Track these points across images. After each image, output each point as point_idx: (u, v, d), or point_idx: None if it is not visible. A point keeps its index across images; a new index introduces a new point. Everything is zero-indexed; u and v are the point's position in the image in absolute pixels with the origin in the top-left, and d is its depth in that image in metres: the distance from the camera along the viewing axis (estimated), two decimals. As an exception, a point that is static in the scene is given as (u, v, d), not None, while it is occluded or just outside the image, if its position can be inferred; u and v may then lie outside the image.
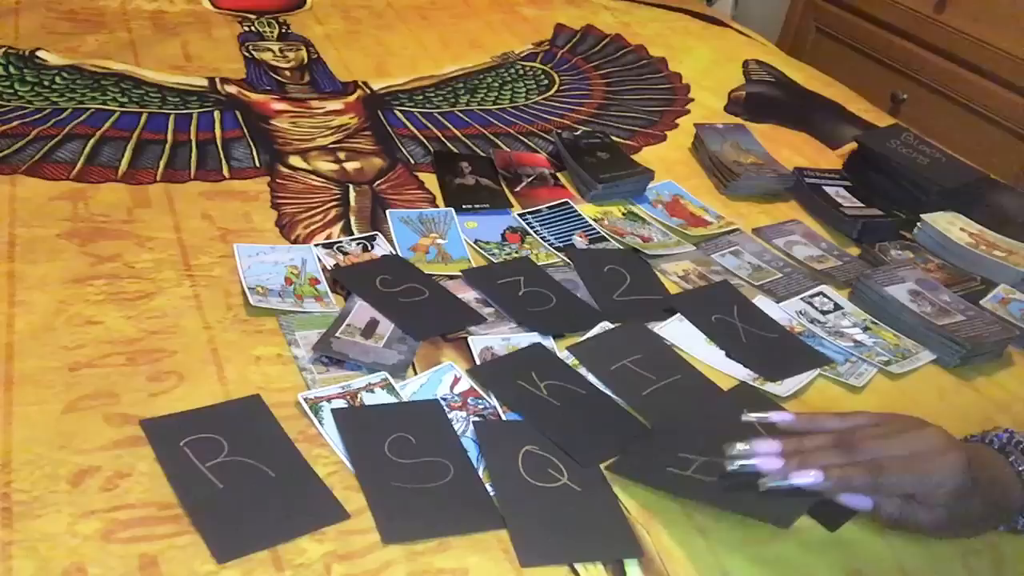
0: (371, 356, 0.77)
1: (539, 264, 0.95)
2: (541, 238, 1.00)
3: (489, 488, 0.67)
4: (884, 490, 0.61)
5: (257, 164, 1.06)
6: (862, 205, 1.13)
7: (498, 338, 0.82)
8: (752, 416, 0.69)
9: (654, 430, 0.75)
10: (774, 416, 0.68)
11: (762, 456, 0.63)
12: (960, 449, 0.61)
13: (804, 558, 0.66)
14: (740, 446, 0.66)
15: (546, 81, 1.42)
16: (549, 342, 0.83)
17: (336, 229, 0.96)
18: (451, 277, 0.91)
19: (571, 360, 0.81)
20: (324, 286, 0.86)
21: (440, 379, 0.77)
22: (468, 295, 0.88)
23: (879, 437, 0.63)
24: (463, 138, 1.21)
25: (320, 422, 0.70)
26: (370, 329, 0.81)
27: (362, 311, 0.83)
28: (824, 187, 1.16)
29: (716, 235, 1.05)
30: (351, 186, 1.04)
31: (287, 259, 0.88)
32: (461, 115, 1.27)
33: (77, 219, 0.90)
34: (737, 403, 0.79)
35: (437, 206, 1.03)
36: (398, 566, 0.60)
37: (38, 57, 1.23)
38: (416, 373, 0.77)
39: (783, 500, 0.63)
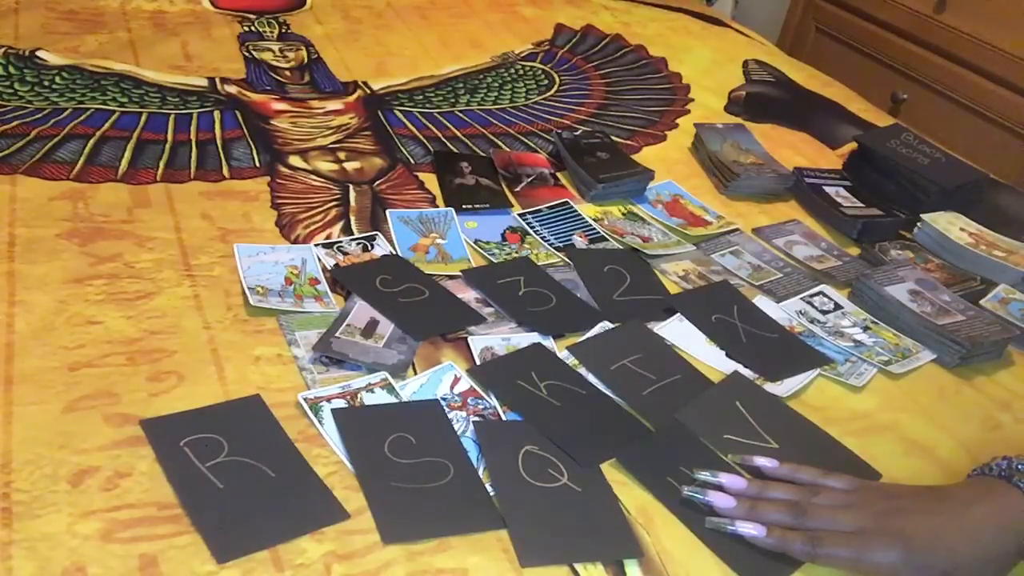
0: (371, 356, 0.77)
1: (539, 264, 0.95)
2: (541, 238, 1.00)
3: (489, 488, 0.67)
4: (820, 561, 0.62)
5: (257, 164, 1.06)
6: (862, 205, 1.13)
7: (498, 338, 0.82)
8: (737, 458, 0.71)
9: (660, 431, 0.74)
10: (759, 460, 0.69)
11: (717, 493, 0.65)
12: (914, 531, 0.60)
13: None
14: (704, 475, 0.67)
15: (546, 81, 1.42)
16: (549, 342, 0.83)
17: (336, 229, 0.96)
18: (451, 277, 0.91)
19: (571, 360, 0.81)
20: (324, 286, 0.86)
21: (440, 379, 0.77)
22: (468, 295, 0.88)
23: (835, 507, 0.63)
24: (463, 138, 1.21)
25: (320, 422, 0.70)
26: (370, 329, 0.81)
27: (362, 311, 0.83)
28: (824, 187, 1.16)
29: (716, 235, 1.05)
30: (351, 186, 1.04)
31: (287, 259, 0.88)
32: (461, 115, 1.27)
33: (77, 219, 0.90)
34: (731, 393, 0.79)
35: (437, 206, 1.03)
36: (398, 566, 0.60)
37: (38, 57, 1.23)
38: (416, 373, 0.77)
39: (766, 561, 0.63)
